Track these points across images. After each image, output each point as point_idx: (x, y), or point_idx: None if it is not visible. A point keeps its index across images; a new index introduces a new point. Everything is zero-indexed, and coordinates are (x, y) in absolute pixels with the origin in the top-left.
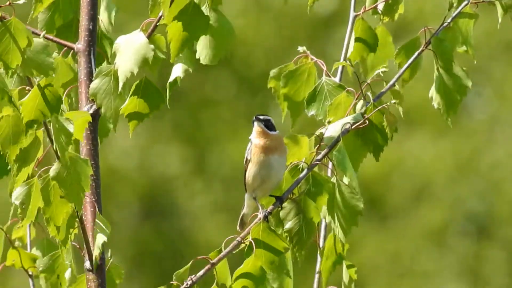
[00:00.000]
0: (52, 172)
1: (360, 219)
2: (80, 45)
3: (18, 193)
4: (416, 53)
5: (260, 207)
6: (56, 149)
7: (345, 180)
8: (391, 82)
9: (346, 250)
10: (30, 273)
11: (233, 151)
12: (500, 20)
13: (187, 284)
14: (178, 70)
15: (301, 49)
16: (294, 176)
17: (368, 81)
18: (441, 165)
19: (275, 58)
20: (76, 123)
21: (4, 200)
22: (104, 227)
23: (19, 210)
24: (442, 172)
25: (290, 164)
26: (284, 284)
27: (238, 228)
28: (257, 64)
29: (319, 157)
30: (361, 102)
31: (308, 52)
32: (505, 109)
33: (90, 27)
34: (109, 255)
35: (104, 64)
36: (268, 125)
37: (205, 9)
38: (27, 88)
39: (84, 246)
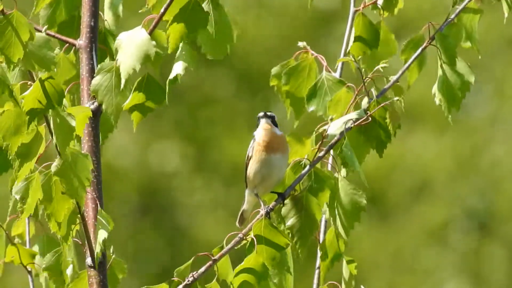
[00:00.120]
0: (54, 167)
1: (362, 215)
2: (81, 41)
3: (18, 187)
4: (420, 49)
5: (262, 204)
6: (56, 144)
7: (343, 173)
8: (394, 78)
9: (344, 246)
10: (29, 269)
11: (233, 149)
12: (506, 15)
13: (188, 281)
14: (178, 68)
15: (301, 44)
16: (296, 173)
17: (369, 77)
18: (442, 162)
19: (276, 55)
20: (77, 118)
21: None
22: (105, 223)
23: (19, 204)
24: (443, 169)
25: (292, 161)
26: (285, 280)
27: (237, 224)
28: (257, 62)
29: (322, 153)
30: (365, 99)
31: (308, 47)
32: (505, 106)
33: (92, 23)
34: (111, 251)
35: (106, 60)
36: (274, 122)
37: (206, 5)
38: (29, 82)
39: (86, 242)
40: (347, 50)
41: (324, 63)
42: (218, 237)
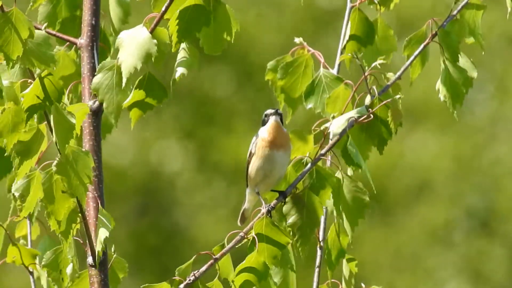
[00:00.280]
0: (55, 166)
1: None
2: (83, 40)
3: (18, 185)
4: (422, 45)
5: (263, 202)
6: (56, 142)
7: (349, 172)
8: (397, 75)
9: (346, 244)
10: (30, 270)
11: (233, 148)
12: (509, 9)
13: (189, 280)
14: (182, 68)
15: (297, 40)
16: (298, 171)
17: (367, 73)
18: (443, 161)
19: (279, 53)
20: (76, 115)
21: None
22: (107, 222)
23: (18, 202)
24: (444, 168)
25: (293, 159)
26: (287, 278)
27: (239, 223)
28: (259, 59)
29: (324, 151)
30: (368, 96)
31: (305, 43)
32: (507, 105)
33: (93, 22)
34: (112, 250)
35: (108, 59)
36: (282, 121)
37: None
38: (29, 80)
39: (87, 241)
40: (343, 46)
41: (321, 60)
42: (218, 236)
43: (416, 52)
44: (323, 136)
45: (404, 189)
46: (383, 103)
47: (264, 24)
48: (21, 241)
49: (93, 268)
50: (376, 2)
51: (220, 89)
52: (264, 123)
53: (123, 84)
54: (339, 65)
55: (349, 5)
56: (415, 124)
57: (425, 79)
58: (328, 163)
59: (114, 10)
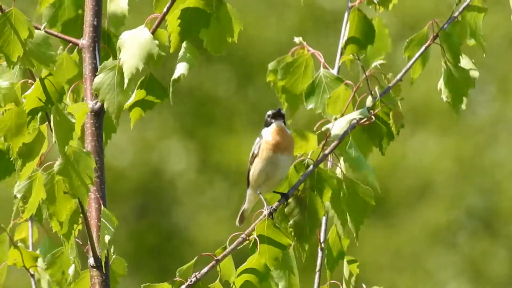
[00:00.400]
0: (56, 167)
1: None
2: (84, 41)
3: (20, 186)
4: (424, 47)
5: (265, 204)
6: (56, 142)
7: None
8: (398, 77)
9: (346, 245)
10: (32, 272)
11: (234, 148)
12: None
13: (191, 281)
14: (182, 67)
15: (297, 40)
16: (299, 172)
17: (367, 74)
18: (444, 162)
19: (279, 53)
20: (75, 115)
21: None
22: (108, 224)
23: (20, 204)
24: (445, 169)
25: (295, 159)
26: (290, 281)
27: (237, 223)
28: (259, 59)
29: (325, 153)
30: (369, 98)
31: (305, 43)
32: (508, 106)
33: (95, 22)
34: (112, 251)
35: (110, 59)
36: (284, 121)
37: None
38: (29, 81)
39: (88, 242)
40: (343, 46)
41: (322, 60)
42: (218, 237)
43: (417, 54)
44: (324, 138)
45: (405, 190)
46: (384, 105)
47: (265, 24)
48: (19, 244)
49: (95, 269)
50: (375, 2)
51: (221, 89)
52: (267, 124)
53: (125, 85)
54: (339, 65)
55: (348, 5)
56: (417, 125)
57: (427, 80)
58: (330, 164)
59: (112, 12)
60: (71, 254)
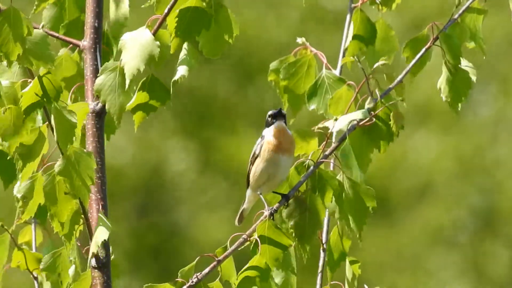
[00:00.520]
0: (57, 167)
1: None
2: (86, 42)
3: (21, 187)
4: (424, 49)
5: (266, 205)
6: (58, 142)
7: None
8: (398, 78)
9: (348, 246)
10: (35, 275)
11: (233, 147)
12: None
13: (192, 282)
14: (182, 69)
15: (300, 40)
16: (300, 173)
17: (369, 75)
18: (445, 161)
19: (279, 52)
20: (77, 115)
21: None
22: (105, 227)
23: (20, 204)
24: (446, 169)
25: (296, 160)
26: (288, 281)
27: (236, 222)
28: (260, 59)
29: (326, 154)
30: (369, 99)
31: (308, 43)
32: (509, 106)
33: (96, 24)
34: (110, 252)
35: (111, 61)
36: (285, 121)
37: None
38: (29, 80)
39: (90, 243)
40: (345, 47)
41: (324, 60)
42: (218, 237)
43: (418, 56)
44: (325, 138)
45: (406, 190)
46: (385, 106)
47: (265, 24)
48: (24, 246)
49: (96, 270)
50: (378, 2)
51: (221, 88)
52: (268, 124)
53: (127, 86)
54: (341, 66)
55: (350, 5)
56: (418, 125)
57: (428, 79)
58: (332, 166)
59: (113, 14)
60: (72, 254)
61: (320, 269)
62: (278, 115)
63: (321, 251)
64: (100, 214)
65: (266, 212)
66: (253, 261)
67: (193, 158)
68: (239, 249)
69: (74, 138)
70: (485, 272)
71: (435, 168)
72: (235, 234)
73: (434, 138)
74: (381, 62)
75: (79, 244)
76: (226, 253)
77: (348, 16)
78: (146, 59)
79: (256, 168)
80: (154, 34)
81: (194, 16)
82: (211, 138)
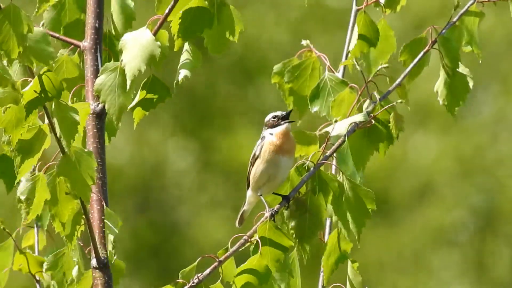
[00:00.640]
0: (58, 167)
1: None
2: (86, 43)
3: (23, 188)
4: (422, 52)
5: (266, 206)
6: (60, 140)
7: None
8: (397, 82)
9: (350, 247)
10: (37, 278)
11: (232, 146)
12: None
13: (193, 282)
14: (185, 70)
15: (304, 42)
16: (301, 175)
17: (370, 79)
18: (446, 161)
19: (280, 52)
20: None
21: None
22: (112, 225)
23: (24, 205)
24: (447, 169)
25: (296, 162)
26: (292, 283)
27: (237, 224)
28: (261, 58)
29: (326, 155)
30: (367, 102)
31: (312, 46)
32: (510, 105)
33: (96, 25)
34: (113, 252)
35: (112, 61)
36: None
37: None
38: (29, 79)
39: (91, 243)
40: (348, 49)
41: (327, 63)
42: (218, 236)
43: (416, 59)
44: (325, 140)
45: (407, 190)
46: (384, 108)
47: (265, 23)
48: (28, 250)
49: (97, 270)
50: (382, 4)
51: (221, 88)
52: (272, 125)
53: (128, 86)
54: (344, 68)
55: (354, 8)
56: (418, 125)
57: (428, 79)
58: (334, 168)
59: (117, 15)
60: (75, 255)
61: (321, 270)
62: (286, 118)
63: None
64: (108, 209)
65: (267, 214)
66: (252, 261)
67: (192, 157)
68: (240, 250)
69: (77, 134)
70: (486, 272)
71: (435, 168)
72: (236, 235)
73: (435, 138)
74: (384, 65)
75: (81, 245)
76: (227, 254)
77: (351, 18)
78: (147, 59)
79: (257, 169)
80: (154, 34)
81: (196, 16)
82: (211, 137)
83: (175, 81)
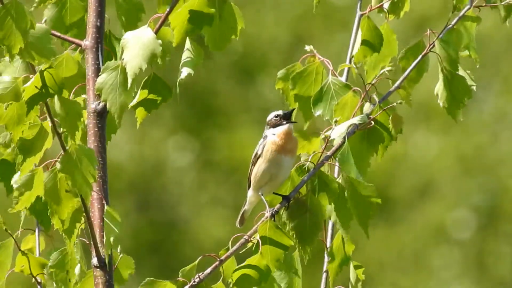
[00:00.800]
0: (59, 164)
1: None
2: (87, 42)
3: (21, 180)
4: (420, 57)
5: (267, 206)
6: (61, 137)
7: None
8: (396, 84)
9: (351, 250)
10: (39, 280)
11: (232, 145)
12: (504, 23)
13: (194, 281)
14: (187, 68)
15: (308, 48)
16: (301, 175)
17: (373, 82)
18: (447, 160)
19: (279, 51)
20: None
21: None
22: (112, 224)
23: (15, 193)
24: (448, 167)
25: (297, 163)
26: (293, 283)
27: (237, 224)
28: (260, 56)
29: (325, 157)
30: (367, 104)
31: (315, 51)
32: (511, 104)
33: (98, 23)
34: (118, 251)
35: (113, 60)
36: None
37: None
38: (31, 76)
39: (92, 242)
40: (352, 55)
41: (330, 67)
42: (218, 234)
43: (414, 63)
44: (325, 142)
45: (408, 189)
46: (383, 110)
47: (265, 21)
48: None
49: (98, 269)
50: (385, 10)
51: (222, 87)
52: (274, 124)
53: (129, 85)
54: (347, 72)
55: (358, 13)
56: (419, 124)
57: (429, 78)
58: (336, 169)
59: (124, 14)
60: (77, 254)
61: (324, 271)
62: (289, 118)
63: (326, 254)
64: (109, 209)
65: (267, 213)
66: (252, 260)
67: (193, 156)
68: (241, 252)
69: (81, 126)
70: (487, 271)
71: (436, 167)
72: (237, 234)
73: (435, 136)
74: (387, 68)
75: (87, 242)
76: (227, 254)
77: (355, 23)
78: (148, 58)
79: (258, 169)
80: (156, 32)
81: (196, 14)
82: (211, 136)
83: (178, 80)
